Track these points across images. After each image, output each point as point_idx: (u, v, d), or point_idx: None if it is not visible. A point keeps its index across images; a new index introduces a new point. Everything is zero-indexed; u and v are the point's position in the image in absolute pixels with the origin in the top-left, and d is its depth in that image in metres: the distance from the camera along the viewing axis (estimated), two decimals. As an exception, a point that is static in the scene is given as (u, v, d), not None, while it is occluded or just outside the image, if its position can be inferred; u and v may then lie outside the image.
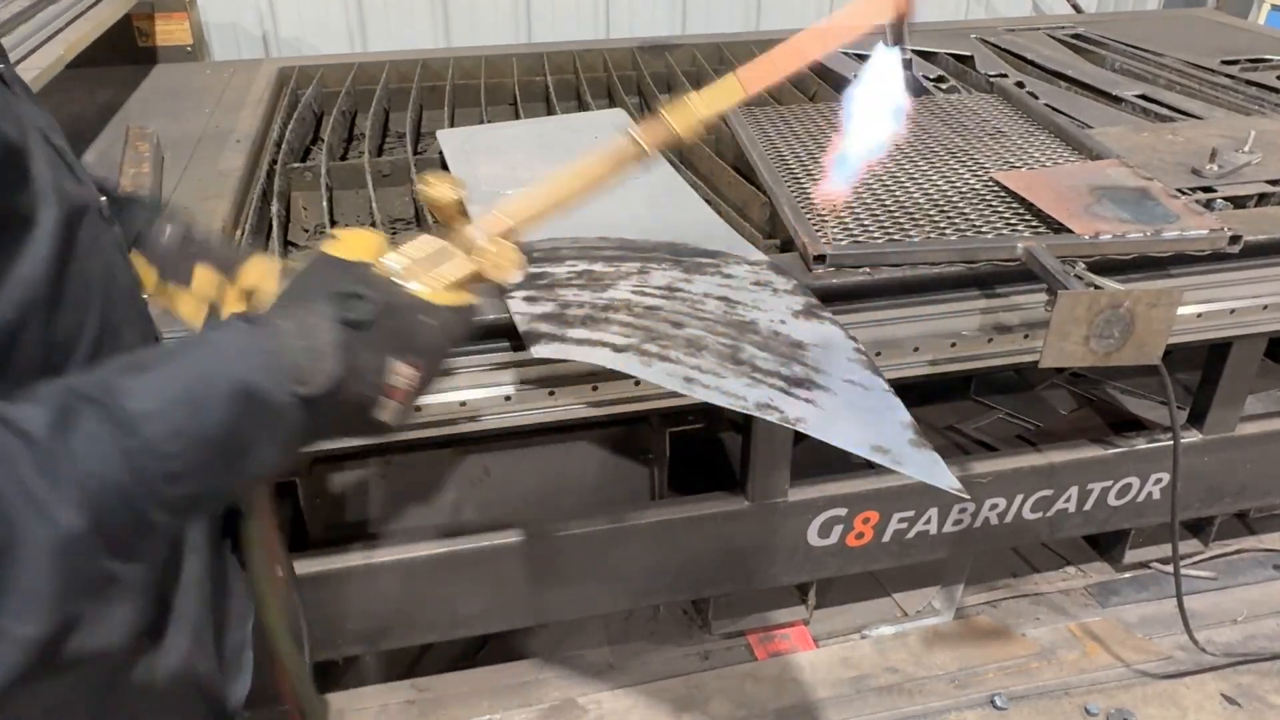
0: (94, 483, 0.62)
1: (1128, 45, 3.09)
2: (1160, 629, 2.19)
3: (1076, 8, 4.15)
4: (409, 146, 2.48)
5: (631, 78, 2.97)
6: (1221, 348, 2.01)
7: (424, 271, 0.86)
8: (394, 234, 2.00)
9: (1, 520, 0.58)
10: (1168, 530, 2.41)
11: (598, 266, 1.47)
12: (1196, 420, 2.15)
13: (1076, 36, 3.25)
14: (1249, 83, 2.66)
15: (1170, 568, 2.36)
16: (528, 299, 1.38)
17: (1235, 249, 1.59)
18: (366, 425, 0.81)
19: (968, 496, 1.11)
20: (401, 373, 0.80)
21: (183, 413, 0.67)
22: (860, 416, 1.17)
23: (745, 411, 1.15)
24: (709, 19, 3.86)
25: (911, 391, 2.57)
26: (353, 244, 0.85)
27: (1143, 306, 1.26)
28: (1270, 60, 2.90)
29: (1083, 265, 1.42)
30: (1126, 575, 2.38)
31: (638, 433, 1.98)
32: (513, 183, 1.96)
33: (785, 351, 1.27)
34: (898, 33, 1.19)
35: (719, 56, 3.12)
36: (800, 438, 1.89)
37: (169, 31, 2.97)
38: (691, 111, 1.02)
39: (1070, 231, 1.57)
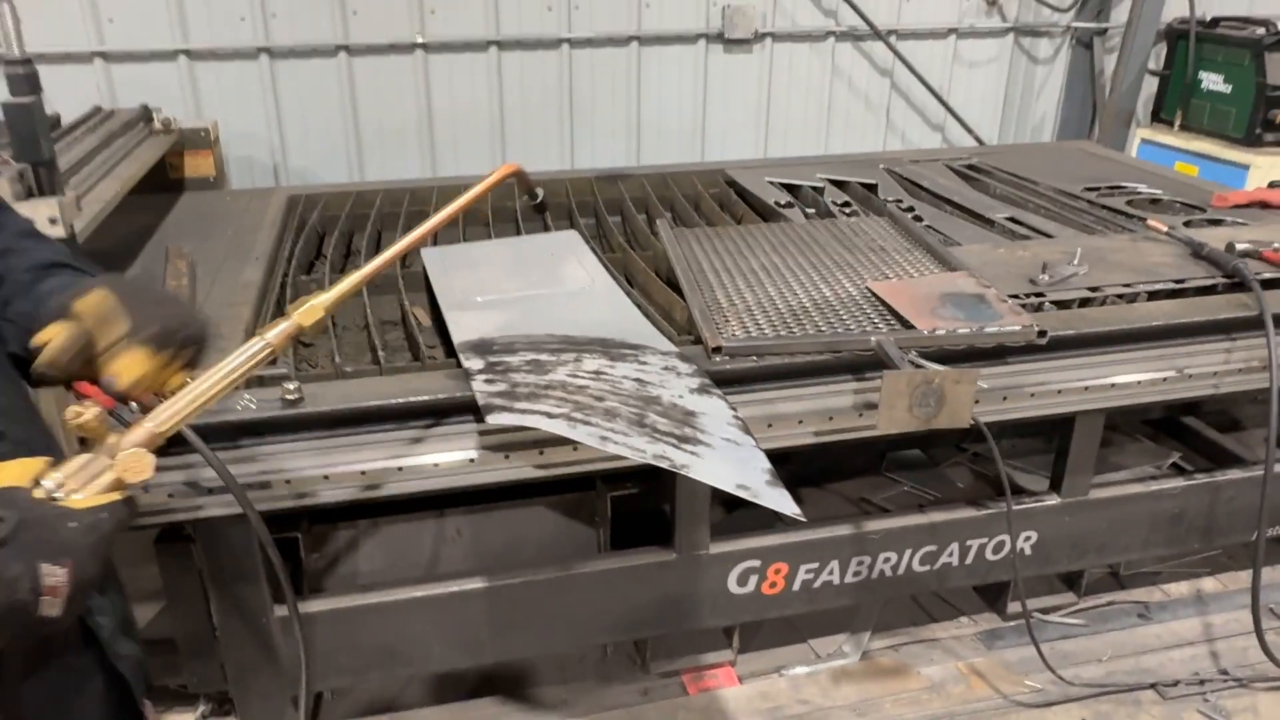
0: None
1: (1011, 174, 3.55)
2: (1036, 668, 2.49)
3: (978, 140, 4.66)
4: (397, 262, 2.85)
5: (589, 203, 3.38)
6: (1066, 422, 2.37)
7: (79, 483, 0.96)
8: (385, 339, 2.35)
9: None
10: (1045, 582, 2.75)
11: (543, 356, 1.83)
12: (1056, 485, 2.50)
13: (971, 167, 3.70)
14: (1102, 206, 3.10)
15: (1049, 616, 2.70)
16: (487, 380, 1.74)
17: (1043, 341, 1.97)
18: (32, 622, 0.86)
19: (804, 519, 1.43)
20: (53, 574, 0.86)
21: None
22: (732, 464, 1.51)
23: (644, 461, 1.49)
24: (660, 152, 4.33)
25: (829, 469, 2.92)
26: (11, 471, 0.93)
27: (950, 382, 1.62)
28: (1125, 187, 3.35)
29: (915, 353, 1.79)
30: (1011, 623, 2.69)
31: (585, 499, 2.31)
32: (482, 292, 2.33)
33: (680, 418, 1.62)
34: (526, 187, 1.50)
35: (664, 184, 3.55)
36: (721, 505, 2.23)
37: (195, 165, 3.39)
38: (314, 307, 1.18)
39: (914, 328, 1.95)
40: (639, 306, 2.27)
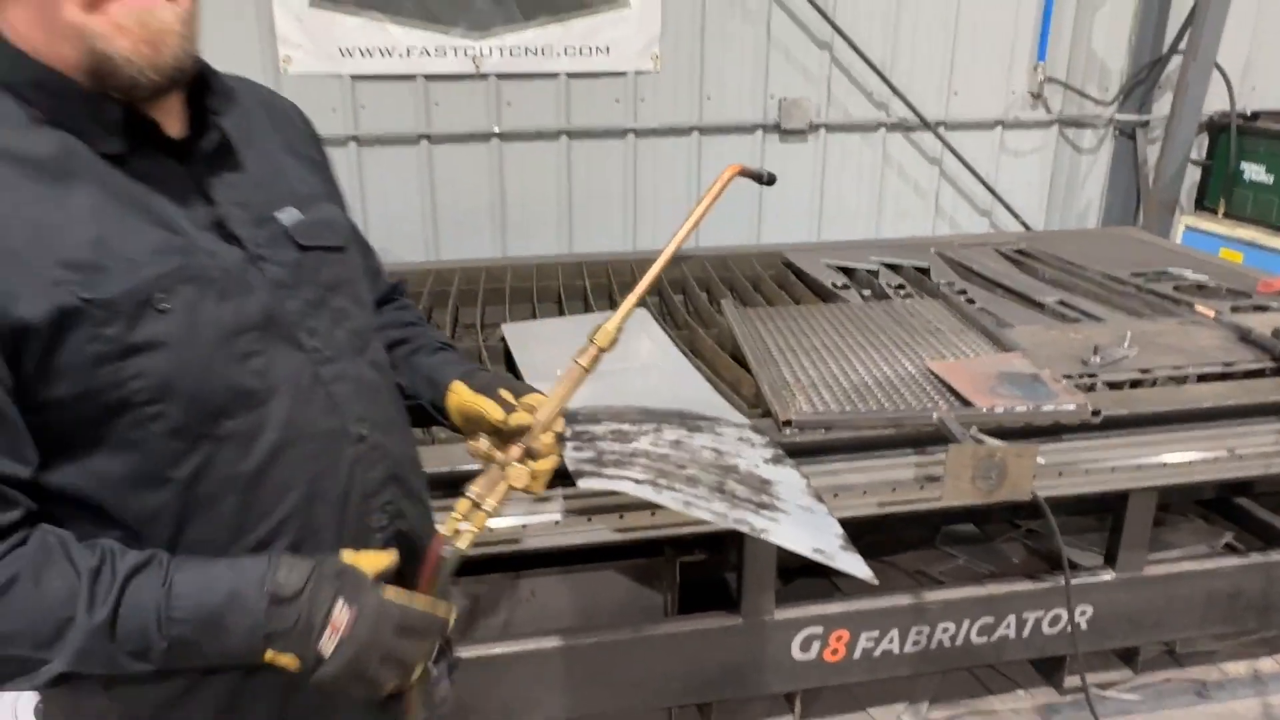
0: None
1: (1059, 259, 3.64)
2: (1094, 742, 2.49)
3: (1025, 226, 4.76)
4: (478, 335, 3.02)
5: (654, 281, 3.53)
6: (1121, 499, 2.42)
7: (485, 489, 1.22)
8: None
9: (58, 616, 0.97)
10: (1101, 658, 2.76)
11: (625, 426, 1.95)
12: (1111, 561, 2.53)
13: (1020, 251, 3.81)
14: (1149, 291, 3.18)
15: (1106, 692, 2.70)
16: (575, 447, 1.85)
17: (1097, 420, 2.04)
18: (310, 653, 1.03)
19: (876, 582, 1.51)
20: (339, 609, 1.04)
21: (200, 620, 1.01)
22: (807, 530, 1.60)
23: (724, 525, 1.59)
24: (720, 234, 4.48)
25: (885, 542, 2.98)
26: (368, 559, 1.12)
27: (1012, 457, 1.71)
28: (1171, 272, 3.42)
29: (976, 428, 1.88)
30: (1068, 698, 2.70)
31: (654, 565, 2.40)
32: (561, 365, 2.47)
33: (757, 486, 1.72)
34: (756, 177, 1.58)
35: (725, 265, 3.69)
36: (779, 575, 2.31)
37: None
38: (606, 331, 1.33)
39: (973, 405, 2.04)
40: (709, 381, 2.39)
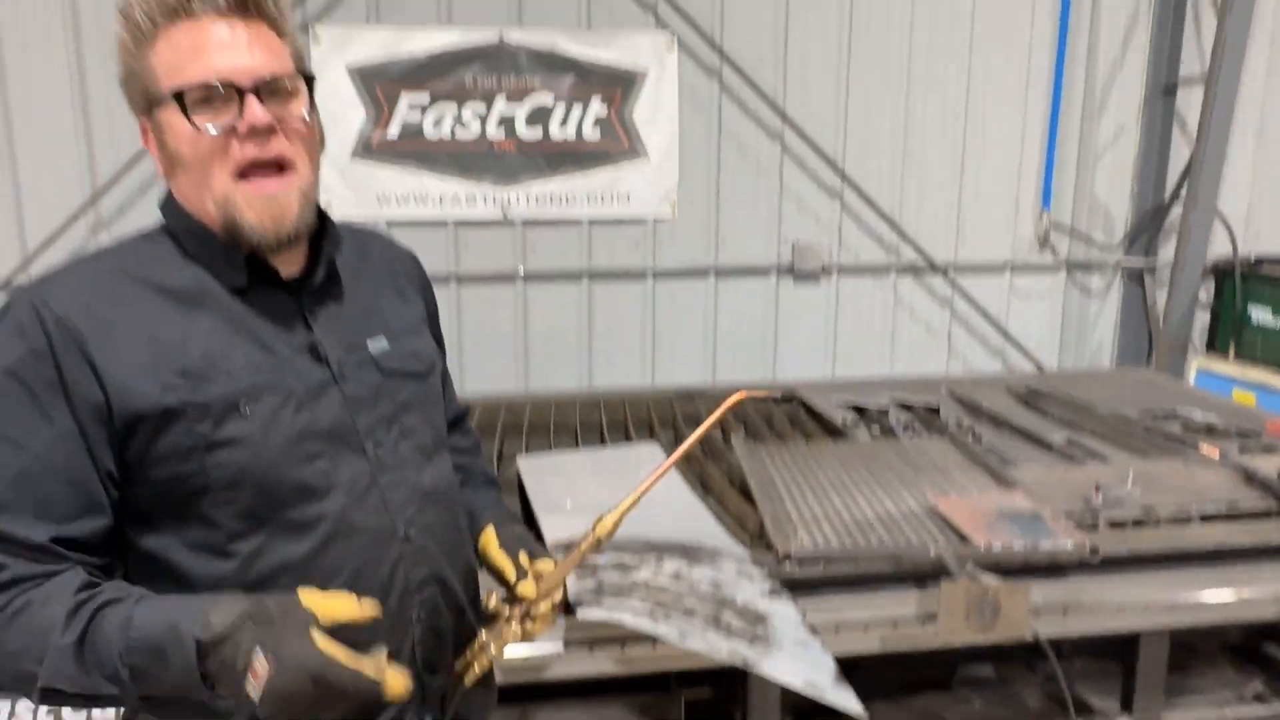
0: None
1: (1069, 399, 3.68)
2: None
3: (1038, 366, 4.83)
4: (493, 467, 3.09)
5: (669, 417, 3.61)
6: (1132, 641, 2.38)
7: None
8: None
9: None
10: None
11: (627, 558, 1.99)
12: (1127, 706, 2.47)
13: (1030, 391, 3.85)
14: (1157, 431, 3.20)
15: None
16: (577, 577, 1.89)
17: (1096, 559, 2.05)
18: (239, 691, 1.07)
19: (866, 717, 1.51)
20: (256, 660, 1.06)
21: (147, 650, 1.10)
22: (801, 663, 1.61)
23: (719, 658, 1.60)
24: (735, 371, 4.60)
25: (900, 683, 2.92)
26: (327, 605, 1.14)
27: (1004, 594, 1.71)
28: (1180, 413, 3.45)
29: (973, 565, 1.89)
30: None
31: (660, 701, 2.38)
32: (571, 496, 2.53)
33: (752, 619, 1.74)
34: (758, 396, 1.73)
35: (739, 402, 3.77)
36: (791, 715, 2.27)
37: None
38: (605, 524, 1.47)
39: (972, 541, 2.06)
40: (714, 514, 2.42)
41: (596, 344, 4.54)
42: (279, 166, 1.25)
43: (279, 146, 1.24)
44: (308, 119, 1.28)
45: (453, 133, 4.21)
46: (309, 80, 1.30)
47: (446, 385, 1.65)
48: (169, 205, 1.31)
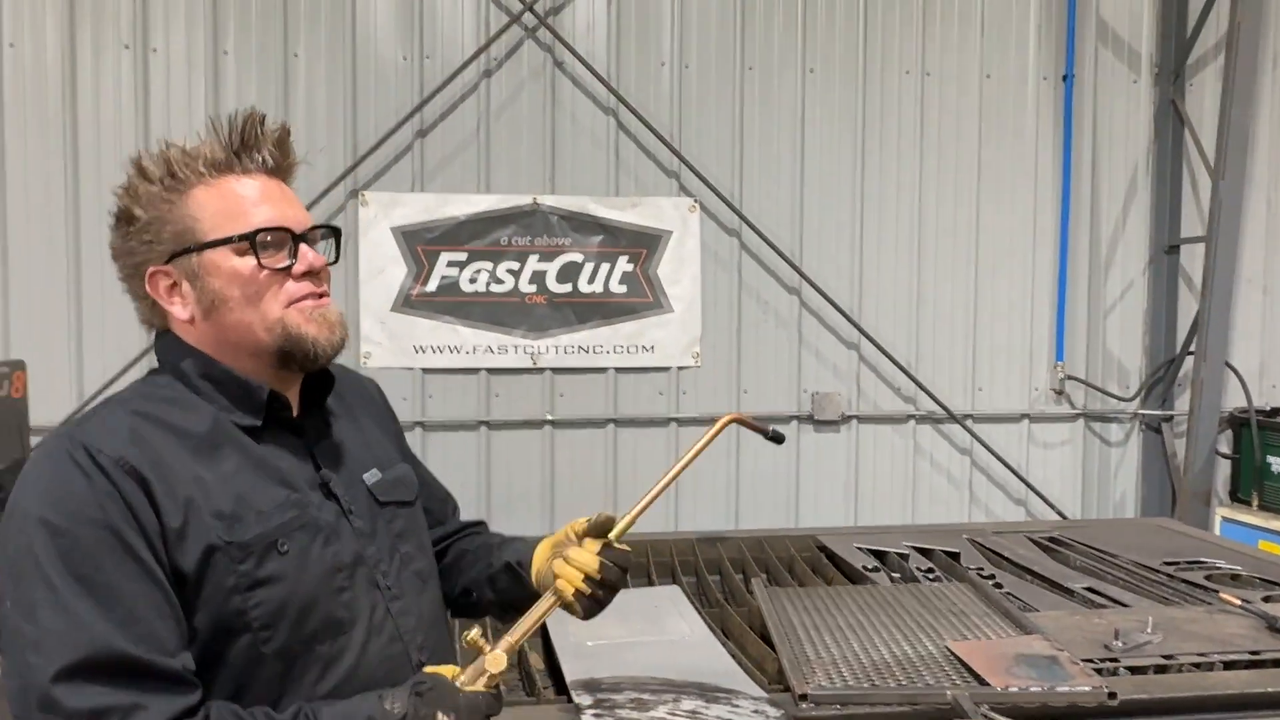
0: None
1: (1091, 547, 3.66)
2: None
3: (1061, 514, 4.81)
4: (517, 609, 3.11)
5: (691, 562, 3.62)
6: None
7: (470, 679, 1.36)
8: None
9: None
10: None
11: (645, 696, 2.01)
12: None
13: (1052, 539, 3.84)
14: (1179, 580, 3.17)
15: None
16: (595, 714, 1.91)
17: (1114, 703, 2.03)
18: None
19: None
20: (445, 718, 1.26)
21: None
22: (815, 803, 1.61)
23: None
24: (756, 517, 4.62)
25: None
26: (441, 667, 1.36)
27: (1019, 735, 1.71)
28: (1205, 562, 3.42)
29: (988, 708, 1.89)
30: None
31: None
32: (592, 637, 2.55)
33: (768, 757, 1.74)
34: (747, 424, 1.76)
35: (760, 546, 3.78)
36: None
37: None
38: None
39: (989, 685, 2.06)
40: (733, 656, 2.43)
41: (621, 489, 4.61)
42: (320, 296, 1.40)
43: (325, 282, 1.41)
44: (334, 262, 1.46)
45: (488, 287, 4.44)
46: (338, 233, 1.49)
47: (434, 486, 1.82)
48: (177, 349, 1.38)
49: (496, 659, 1.37)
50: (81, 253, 4.31)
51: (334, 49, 4.42)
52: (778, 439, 1.83)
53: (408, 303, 4.34)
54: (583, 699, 2.01)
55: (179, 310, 1.35)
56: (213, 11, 4.35)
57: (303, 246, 1.37)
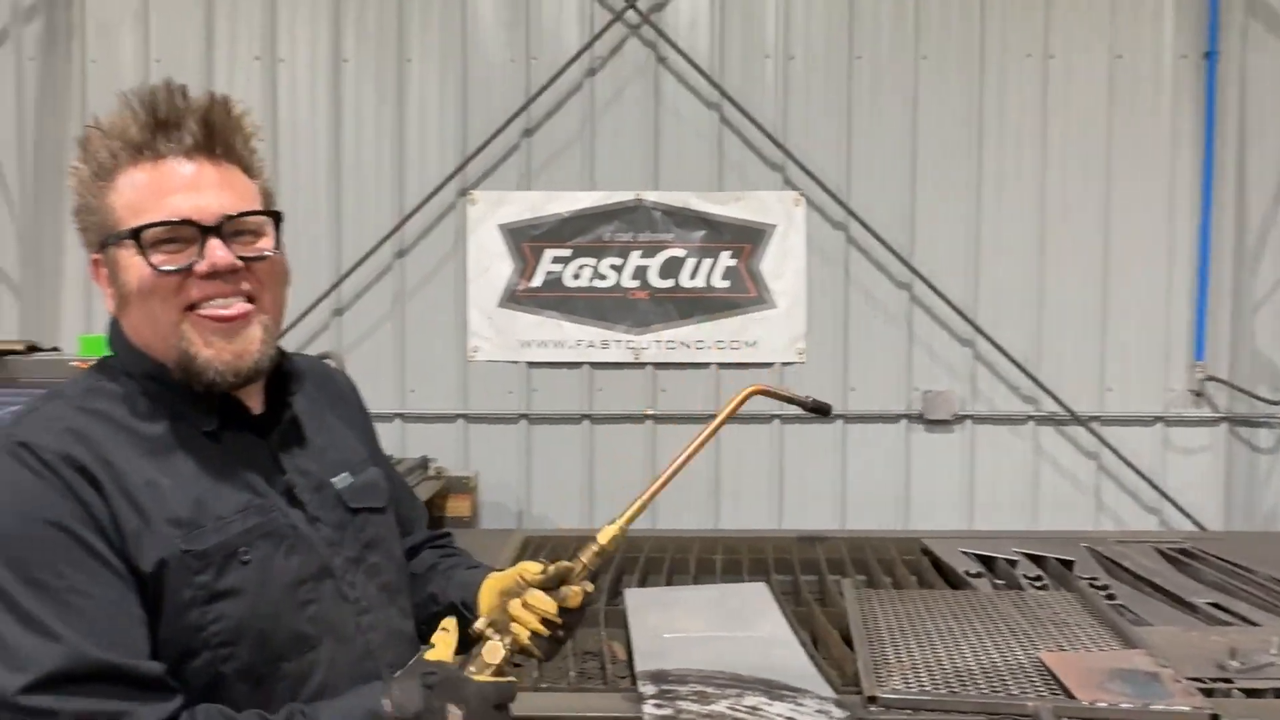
0: None
1: (1226, 561, 3.39)
2: None
3: (1199, 525, 4.47)
4: (603, 598, 3.13)
5: (788, 560, 3.56)
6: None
7: (477, 668, 1.28)
8: (582, 666, 2.57)
9: None
10: None
11: (709, 689, 1.99)
12: None
13: (1182, 551, 3.57)
14: (1321, 599, 2.89)
15: None
16: (656, 704, 1.91)
17: (1216, 727, 1.87)
18: None
19: None
20: (454, 713, 1.16)
21: None
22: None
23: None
24: (863, 518, 4.50)
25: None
26: (440, 650, 1.26)
27: (1098, 751, 1.60)
28: (1356, 581, 3.11)
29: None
30: None
31: None
32: (670, 629, 2.54)
33: (825, 758, 1.70)
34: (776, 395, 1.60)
35: (861, 548, 3.68)
36: None
37: (456, 506, 3.97)
38: (609, 529, 1.43)
39: (1076, 699, 1.93)
40: (811, 657, 2.38)
41: (724, 486, 4.58)
42: (249, 299, 1.21)
43: (247, 284, 1.21)
44: (273, 256, 1.24)
45: (591, 283, 4.50)
46: (276, 218, 1.27)
47: (404, 491, 1.65)
48: (120, 343, 1.25)
49: (493, 649, 1.30)
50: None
51: (445, 54, 4.57)
52: (821, 410, 1.66)
53: (513, 298, 4.45)
54: (646, 688, 2.01)
55: (109, 302, 1.25)
56: (334, 22, 4.58)
57: (212, 242, 1.17)
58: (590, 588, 1.39)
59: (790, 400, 1.65)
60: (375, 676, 1.26)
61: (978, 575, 3.25)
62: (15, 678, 1.03)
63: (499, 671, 1.29)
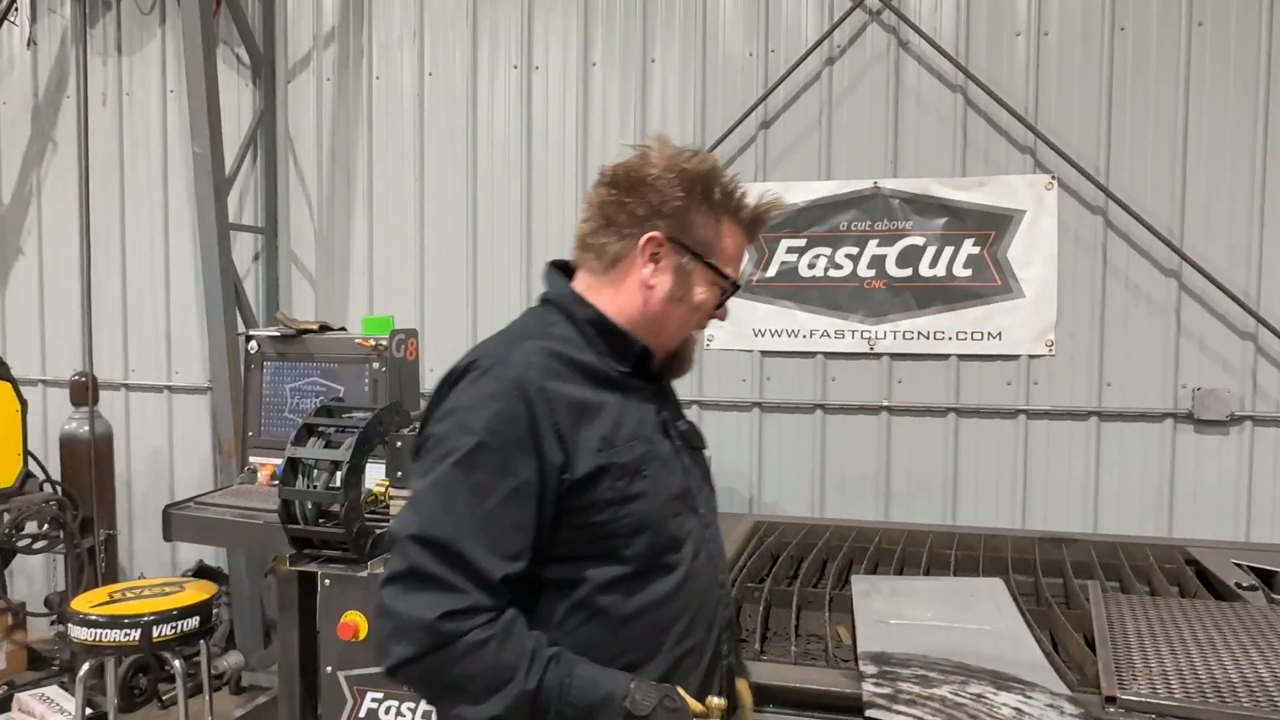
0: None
1: None
2: None
3: None
4: (829, 583, 3.14)
5: (1029, 560, 3.41)
6: None
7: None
8: (806, 646, 2.62)
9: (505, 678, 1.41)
10: None
11: (932, 674, 1.97)
12: None
13: None
14: None
15: None
16: (875, 683, 1.93)
17: None
18: None
19: None
20: None
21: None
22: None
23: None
24: (1118, 523, 4.18)
25: None
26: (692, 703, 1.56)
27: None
28: None
29: (1346, 742, 1.60)
30: None
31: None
32: (897, 616, 2.53)
33: (1054, 751, 1.64)
34: None
35: (1114, 553, 3.45)
36: None
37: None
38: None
39: (1357, 720, 1.74)
40: (1046, 655, 2.28)
41: (962, 480, 4.41)
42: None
43: None
44: None
45: (826, 272, 4.48)
46: None
47: None
48: (578, 298, 1.65)
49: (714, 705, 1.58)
50: (478, 242, 5.06)
51: (686, 51, 4.72)
52: None
53: (748, 288, 4.52)
54: (868, 668, 2.03)
55: (646, 273, 1.62)
56: (584, 28, 4.86)
57: (731, 301, 1.72)
58: None
59: None
60: (714, 579, 1.69)
61: (1250, 588, 2.95)
62: (408, 525, 1.44)
63: None
